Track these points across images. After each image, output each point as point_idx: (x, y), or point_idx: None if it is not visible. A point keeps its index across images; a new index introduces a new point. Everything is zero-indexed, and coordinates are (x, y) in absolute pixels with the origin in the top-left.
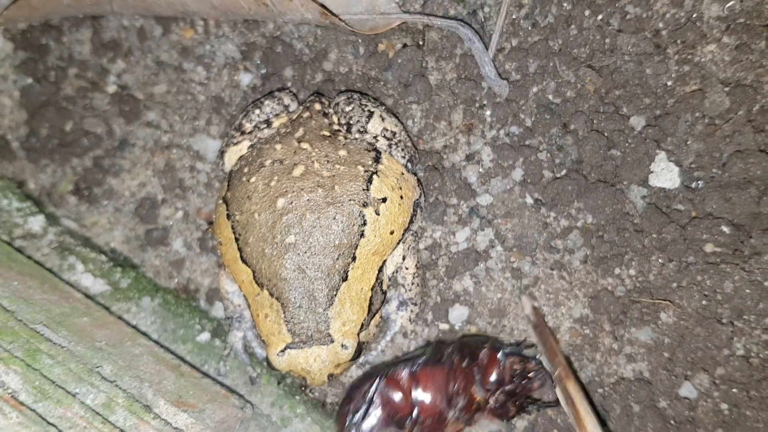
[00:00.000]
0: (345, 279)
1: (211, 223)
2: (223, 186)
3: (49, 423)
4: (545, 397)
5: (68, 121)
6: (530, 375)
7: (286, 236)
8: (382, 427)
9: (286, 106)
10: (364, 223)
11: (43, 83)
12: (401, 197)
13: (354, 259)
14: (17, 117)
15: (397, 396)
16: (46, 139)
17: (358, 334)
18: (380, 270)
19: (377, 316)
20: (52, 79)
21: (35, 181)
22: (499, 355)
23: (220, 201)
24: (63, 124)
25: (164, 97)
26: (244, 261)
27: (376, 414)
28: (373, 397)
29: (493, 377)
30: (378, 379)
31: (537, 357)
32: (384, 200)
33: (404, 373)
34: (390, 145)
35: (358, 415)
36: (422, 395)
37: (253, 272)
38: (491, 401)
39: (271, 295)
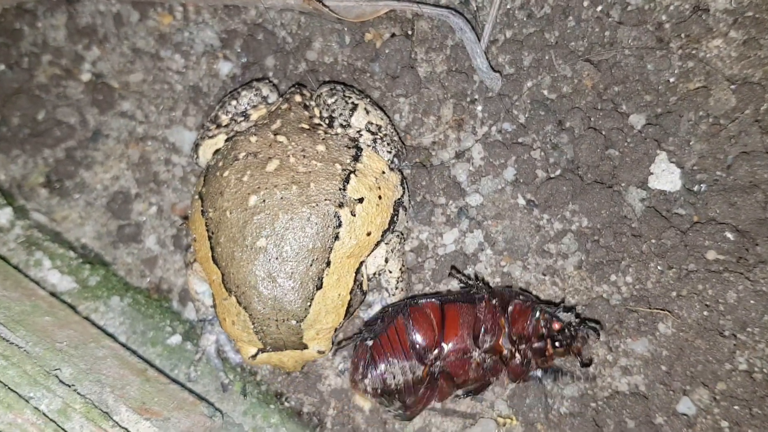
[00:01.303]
0: (320, 287)
1: (186, 218)
2: (199, 180)
3: None
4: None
5: (41, 110)
6: (560, 338)
7: (257, 239)
8: (402, 359)
9: (265, 98)
10: (339, 225)
11: (16, 70)
12: (380, 197)
13: (328, 264)
14: None
15: (423, 327)
16: (17, 129)
17: (333, 338)
18: (357, 271)
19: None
20: (25, 65)
21: (5, 172)
22: (534, 311)
23: (196, 196)
24: (35, 113)
25: (140, 86)
26: (215, 261)
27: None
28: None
29: (521, 331)
30: (405, 307)
31: (573, 322)
32: (361, 200)
33: (432, 305)
34: (375, 140)
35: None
36: (449, 328)
37: (222, 275)
38: (517, 356)
39: (239, 303)
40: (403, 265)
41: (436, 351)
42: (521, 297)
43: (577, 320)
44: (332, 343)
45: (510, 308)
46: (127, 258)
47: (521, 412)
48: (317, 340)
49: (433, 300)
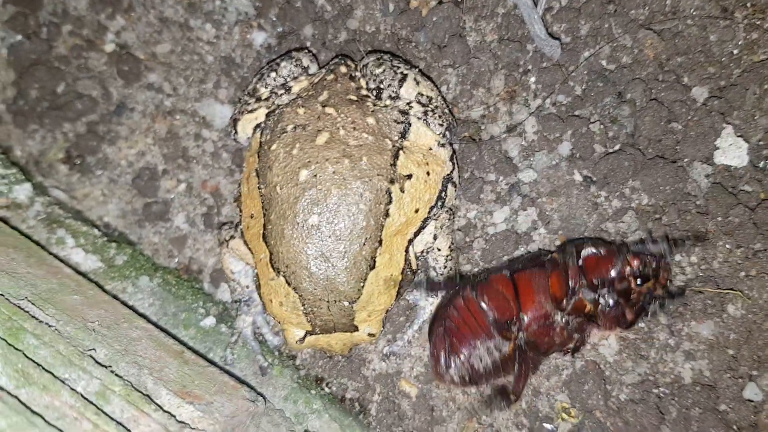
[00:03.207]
0: (373, 267)
1: (237, 199)
2: (254, 157)
3: (33, 412)
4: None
5: (60, 83)
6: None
7: (309, 216)
8: (484, 339)
9: (306, 68)
10: (390, 202)
11: (34, 40)
12: (428, 173)
13: (380, 242)
14: (4, 77)
15: (498, 301)
16: (36, 102)
17: (384, 319)
18: (407, 251)
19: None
20: (44, 36)
21: (22, 147)
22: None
23: (253, 173)
24: (54, 86)
25: (168, 57)
26: (264, 239)
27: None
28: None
29: (601, 275)
30: (470, 287)
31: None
32: (409, 177)
33: (501, 277)
34: (426, 113)
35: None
36: (524, 297)
37: (270, 254)
38: (601, 302)
39: (288, 283)
40: (452, 243)
41: (516, 324)
42: (590, 244)
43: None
44: (383, 326)
45: (581, 261)
46: (153, 237)
47: (579, 399)
48: (368, 322)
49: (501, 272)
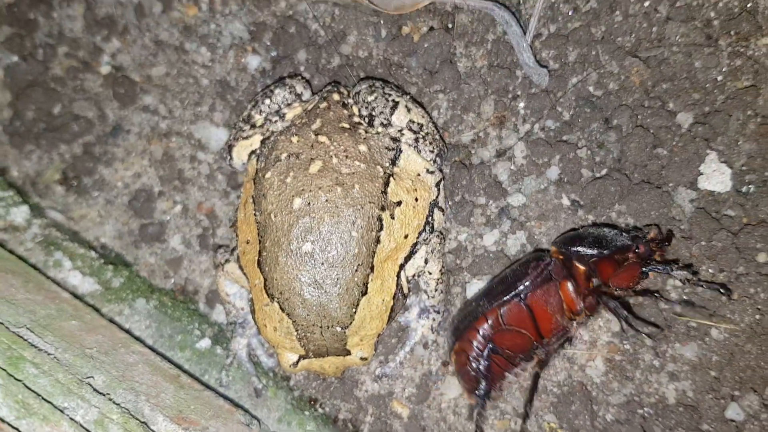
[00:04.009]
0: (365, 293)
1: (234, 223)
2: (250, 184)
3: None
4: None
5: (56, 104)
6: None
7: (303, 243)
8: (511, 372)
9: (299, 95)
10: (381, 228)
11: (30, 62)
12: (416, 199)
13: (372, 269)
14: (0, 98)
15: (516, 340)
16: (32, 123)
17: (376, 343)
18: (399, 276)
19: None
20: (40, 57)
21: (19, 168)
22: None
23: (249, 200)
24: (51, 107)
25: (163, 80)
26: (259, 266)
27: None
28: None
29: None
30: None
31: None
32: (399, 203)
33: (515, 307)
34: (417, 139)
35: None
36: (542, 322)
37: (265, 280)
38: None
39: (282, 309)
40: (443, 267)
41: (539, 347)
42: (588, 243)
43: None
44: (374, 350)
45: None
46: (150, 258)
47: (566, 419)
48: (360, 346)
49: (515, 302)
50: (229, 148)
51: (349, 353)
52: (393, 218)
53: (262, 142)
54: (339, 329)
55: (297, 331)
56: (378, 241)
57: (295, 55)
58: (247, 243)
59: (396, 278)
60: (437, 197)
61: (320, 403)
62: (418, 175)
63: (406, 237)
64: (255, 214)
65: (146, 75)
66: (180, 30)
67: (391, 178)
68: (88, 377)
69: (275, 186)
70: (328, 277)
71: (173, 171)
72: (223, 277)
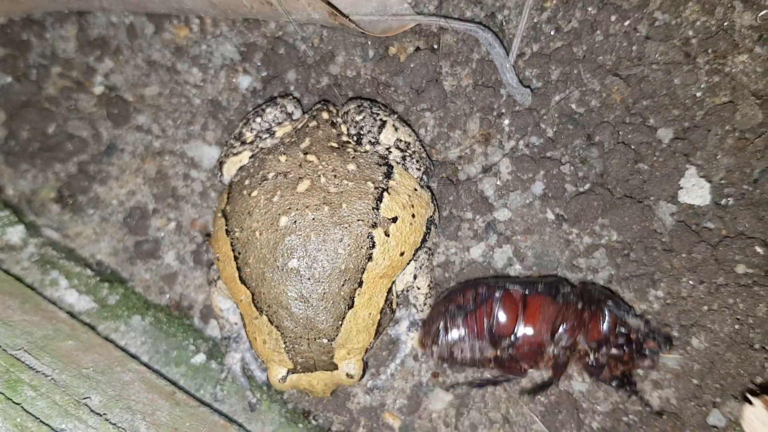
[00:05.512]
0: (351, 306)
1: (208, 235)
2: (222, 198)
3: None
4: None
5: (51, 124)
6: (639, 349)
7: (289, 260)
8: (473, 338)
9: (290, 114)
10: (373, 246)
11: (24, 82)
12: (413, 215)
13: (360, 284)
14: None
15: (504, 314)
16: (27, 143)
17: (364, 357)
18: (389, 291)
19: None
20: (34, 77)
21: (14, 187)
22: (606, 315)
23: (219, 214)
24: (45, 127)
25: (156, 100)
26: (242, 281)
27: (465, 325)
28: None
29: (598, 334)
30: (498, 289)
31: (652, 333)
32: (394, 220)
33: (516, 294)
34: (404, 157)
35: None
36: (529, 320)
37: (252, 294)
38: (590, 358)
39: (271, 322)
40: (431, 281)
41: (510, 339)
42: (609, 301)
43: (647, 328)
44: (364, 370)
45: (589, 313)
46: (145, 274)
47: (553, 428)
48: (348, 360)
49: (518, 288)
50: (220, 164)
51: (336, 367)
52: (388, 235)
53: (251, 157)
54: (325, 341)
55: (285, 343)
56: (370, 258)
57: (285, 75)
58: (217, 260)
59: (386, 293)
60: (434, 213)
61: (313, 415)
62: (415, 189)
63: (402, 254)
64: (226, 230)
65: (139, 95)
66: (172, 51)
67: (385, 193)
68: (85, 398)
69: (261, 204)
70: (314, 292)
71: (167, 189)
72: (217, 293)
